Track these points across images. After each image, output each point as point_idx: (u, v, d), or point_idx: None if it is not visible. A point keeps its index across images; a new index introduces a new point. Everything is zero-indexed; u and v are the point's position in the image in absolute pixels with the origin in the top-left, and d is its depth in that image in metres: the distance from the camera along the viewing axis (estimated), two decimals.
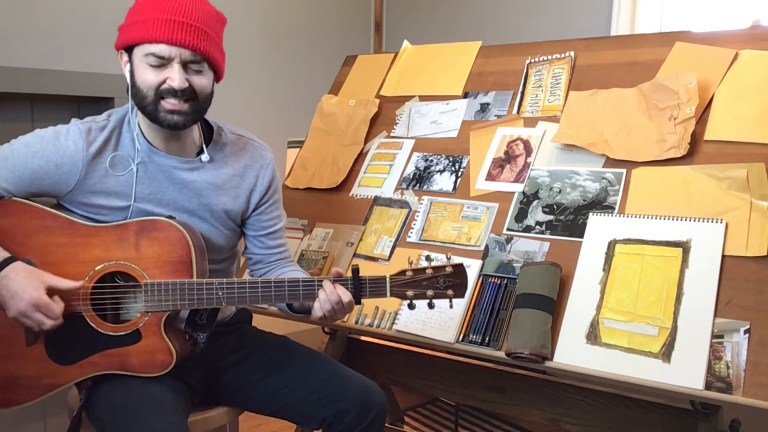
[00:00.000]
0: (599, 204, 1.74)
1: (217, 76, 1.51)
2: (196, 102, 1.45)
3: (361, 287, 1.44)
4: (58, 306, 1.38)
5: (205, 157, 1.54)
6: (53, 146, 1.44)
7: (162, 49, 1.39)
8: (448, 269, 1.43)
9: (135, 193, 1.50)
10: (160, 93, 1.42)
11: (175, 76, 1.40)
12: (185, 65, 1.42)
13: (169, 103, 1.42)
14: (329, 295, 1.43)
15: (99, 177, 1.48)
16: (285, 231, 1.74)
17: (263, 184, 1.64)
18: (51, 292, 1.38)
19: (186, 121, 1.46)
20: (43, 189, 1.46)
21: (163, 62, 1.40)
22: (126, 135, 1.51)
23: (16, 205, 1.46)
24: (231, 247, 1.66)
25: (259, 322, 1.80)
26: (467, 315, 1.72)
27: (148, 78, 1.42)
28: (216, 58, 1.46)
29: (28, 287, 1.35)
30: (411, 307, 1.45)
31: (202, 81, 1.45)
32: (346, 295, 1.43)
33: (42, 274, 1.39)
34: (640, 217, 1.65)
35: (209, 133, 1.60)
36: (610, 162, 1.79)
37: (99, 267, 1.44)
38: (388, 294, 1.44)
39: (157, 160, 1.51)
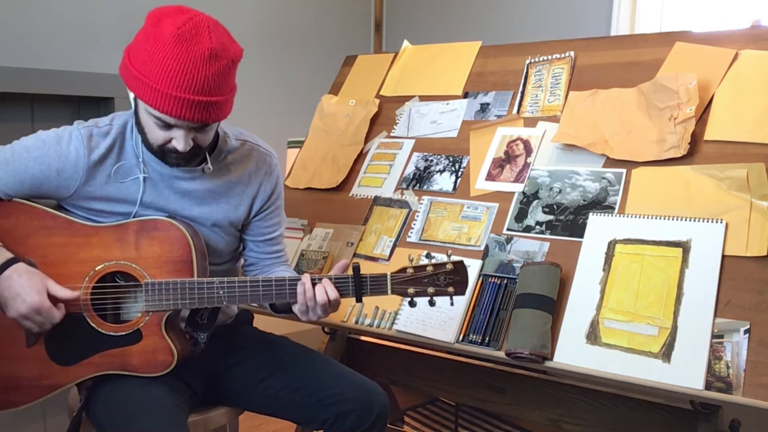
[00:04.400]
0: (599, 204, 1.74)
1: None
2: (200, 150, 1.45)
3: (362, 285, 1.44)
4: (58, 311, 1.39)
5: (207, 168, 1.52)
6: (55, 152, 1.43)
7: (168, 118, 1.35)
8: (449, 266, 1.43)
9: (139, 201, 1.49)
10: (165, 150, 1.41)
11: (179, 140, 1.38)
12: (191, 127, 1.39)
13: (174, 155, 1.42)
14: (306, 292, 1.43)
15: (99, 184, 1.47)
16: (284, 236, 1.74)
17: (266, 192, 1.63)
18: (51, 298, 1.38)
19: (189, 163, 1.46)
20: (43, 193, 1.46)
21: (168, 125, 1.37)
22: (129, 142, 1.49)
23: (16, 206, 1.46)
24: (232, 250, 1.66)
25: (259, 322, 1.80)
26: (467, 315, 1.72)
27: (152, 134, 1.40)
28: (225, 116, 1.42)
29: (31, 290, 1.35)
30: (412, 304, 1.45)
31: (208, 136, 1.44)
32: (328, 295, 1.42)
33: (45, 279, 1.39)
34: (640, 217, 1.65)
35: (214, 139, 1.57)
36: (610, 162, 1.79)
37: (99, 267, 1.44)
38: (389, 291, 1.44)
39: (158, 169, 1.49)
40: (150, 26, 1.34)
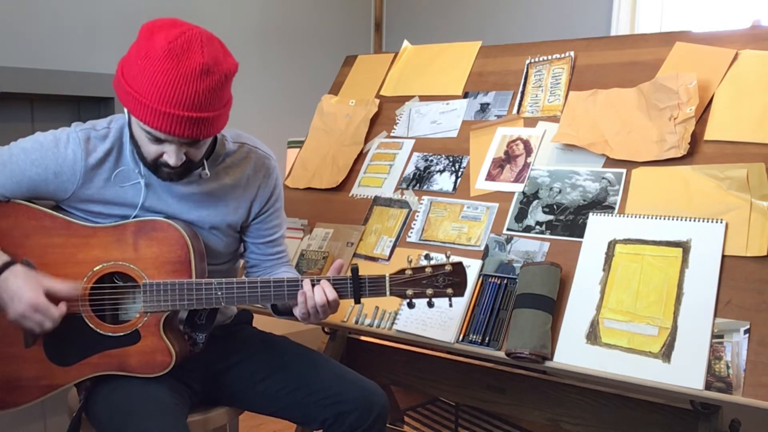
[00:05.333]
0: (599, 204, 1.73)
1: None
2: (192, 164, 1.44)
3: (360, 286, 1.44)
4: (56, 309, 1.38)
5: (204, 174, 1.51)
6: (53, 154, 1.43)
7: (158, 133, 1.34)
8: (448, 268, 1.43)
9: (140, 205, 1.48)
10: (158, 164, 1.41)
11: (171, 155, 1.37)
12: (182, 142, 1.37)
13: (166, 169, 1.41)
14: (306, 293, 1.42)
15: (97, 187, 1.47)
16: (285, 237, 1.74)
17: (264, 195, 1.63)
18: (50, 295, 1.37)
19: (181, 178, 1.46)
20: (40, 195, 1.46)
21: (160, 140, 1.36)
22: (127, 148, 1.49)
23: (14, 206, 1.46)
24: (232, 251, 1.66)
25: (259, 322, 1.80)
26: (467, 315, 1.72)
27: (144, 147, 1.40)
28: (217, 131, 1.40)
29: (27, 289, 1.35)
30: (410, 306, 1.45)
31: (200, 151, 1.43)
32: (326, 296, 1.42)
33: (41, 278, 1.39)
34: (640, 217, 1.65)
35: (212, 144, 1.55)
36: (610, 162, 1.79)
37: (97, 267, 1.44)
38: (388, 293, 1.43)
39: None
40: (142, 40, 1.32)
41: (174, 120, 1.31)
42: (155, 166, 1.42)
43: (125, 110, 1.41)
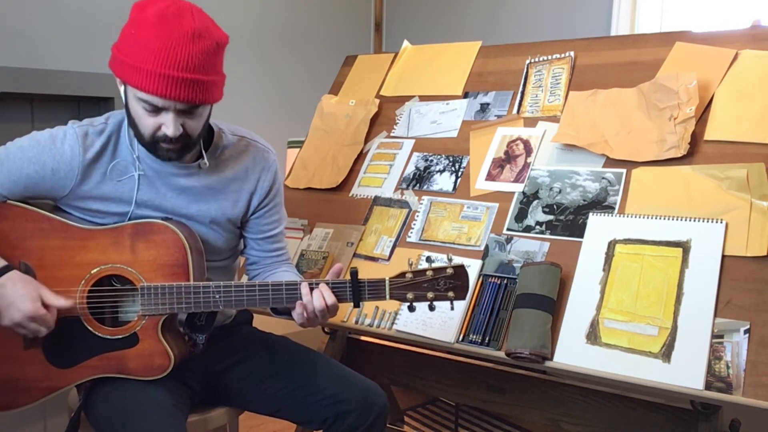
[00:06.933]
0: (599, 204, 1.73)
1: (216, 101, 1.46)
2: (190, 139, 1.43)
3: (360, 290, 1.43)
4: (53, 317, 1.38)
5: (203, 164, 1.52)
6: (50, 151, 1.43)
7: (155, 100, 1.35)
8: (449, 271, 1.42)
9: (135, 199, 1.49)
10: (155, 139, 1.41)
11: (169, 125, 1.38)
12: (179, 110, 1.38)
13: (165, 145, 1.41)
14: (303, 296, 1.42)
15: (95, 183, 1.47)
16: (285, 233, 1.74)
17: (264, 188, 1.63)
18: (46, 306, 1.37)
19: (180, 156, 1.45)
20: (39, 193, 1.46)
21: (157, 109, 1.37)
22: (124, 140, 1.49)
23: (11, 208, 1.45)
24: (231, 248, 1.65)
25: (259, 322, 1.79)
26: (467, 315, 1.72)
27: (142, 122, 1.40)
28: (213, 100, 1.41)
29: (25, 299, 1.35)
30: (411, 309, 1.44)
31: (197, 123, 1.43)
32: (325, 300, 1.41)
33: (39, 287, 1.38)
34: (640, 217, 1.65)
35: (209, 135, 1.57)
36: (610, 162, 1.79)
37: (95, 270, 1.43)
38: (388, 297, 1.42)
39: (154, 166, 1.49)
40: (134, 14, 1.36)
41: (169, 81, 1.32)
42: (154, 145, 1.42)
43: (121, 91, 1.42)
